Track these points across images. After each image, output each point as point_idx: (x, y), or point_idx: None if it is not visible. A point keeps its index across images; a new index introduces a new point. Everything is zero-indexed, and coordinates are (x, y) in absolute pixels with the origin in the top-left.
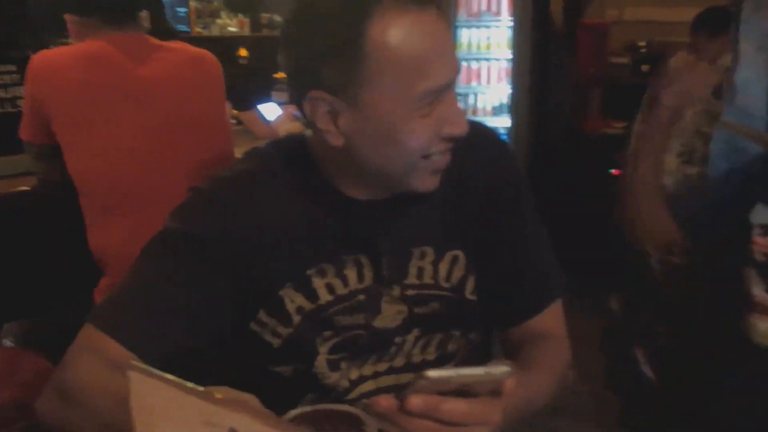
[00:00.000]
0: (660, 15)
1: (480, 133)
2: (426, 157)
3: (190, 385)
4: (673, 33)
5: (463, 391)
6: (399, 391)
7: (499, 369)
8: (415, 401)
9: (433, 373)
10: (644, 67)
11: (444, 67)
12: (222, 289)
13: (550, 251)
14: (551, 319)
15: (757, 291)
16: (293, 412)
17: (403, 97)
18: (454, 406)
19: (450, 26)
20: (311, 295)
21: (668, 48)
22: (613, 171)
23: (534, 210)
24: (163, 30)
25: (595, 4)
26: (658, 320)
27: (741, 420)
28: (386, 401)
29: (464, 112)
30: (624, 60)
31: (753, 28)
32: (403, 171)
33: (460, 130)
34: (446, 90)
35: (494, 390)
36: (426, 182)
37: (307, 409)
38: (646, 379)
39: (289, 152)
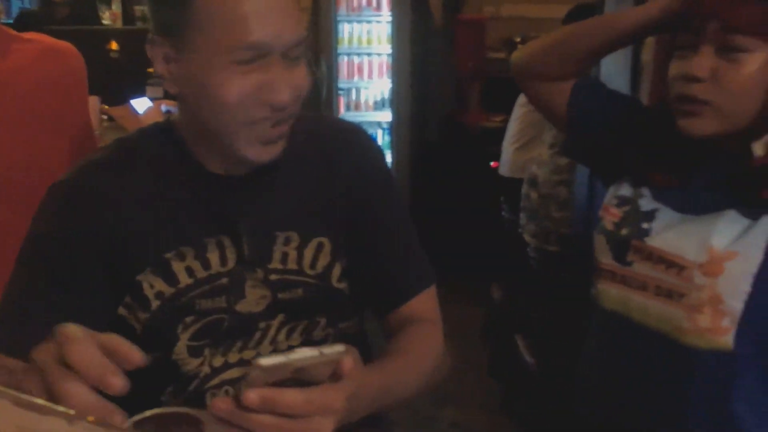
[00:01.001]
0: (534, 11)
1: (348, 128)
2: (252, 123)
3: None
4: (547, 29)
5: (303, 380)
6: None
7: (333, 349)
8: (251, 397)
9: (265, 361)
10: None
11: (269, 25)
12: (93, 282)
13: (417, 241)
14: (424, 304)
15: (605, 259)
16: (134, 418)
17: (221, 47)
18: (292, 398)
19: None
20: (170, 279)
21: None
22: (492, 163)
23: (400, 202)
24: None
25: (473, 0)
26: (534, 307)
27: (597, 388)
28: (223, 403)
29: (293, 85)
30: (501, 55)
31: None
32: (227, 132)
33: (280, 97)
34: (274, 55)
35: (335, 375)
36: (257, 152)
37: (147, 413)
38: (526, 365)
39: (155, 136)
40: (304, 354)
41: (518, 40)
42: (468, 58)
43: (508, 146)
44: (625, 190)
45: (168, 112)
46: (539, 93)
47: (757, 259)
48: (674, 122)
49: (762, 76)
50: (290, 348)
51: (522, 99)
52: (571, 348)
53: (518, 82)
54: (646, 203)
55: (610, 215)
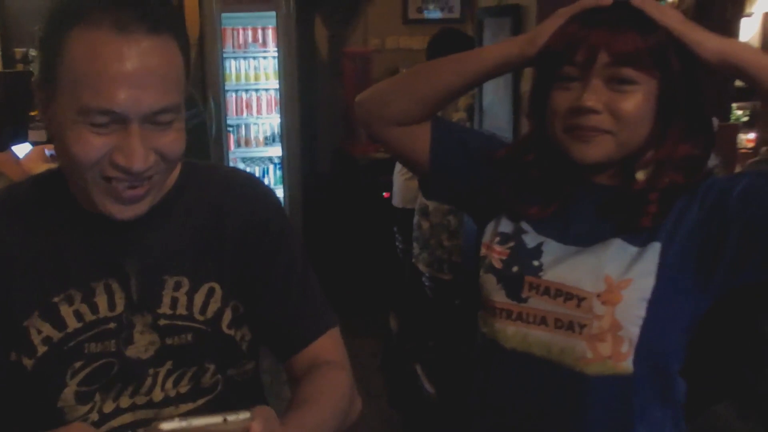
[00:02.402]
0: (418, 43)
1: (242, 177)
2: (107, 182)
3: None
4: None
5: None
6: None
7: (238, 416)
8: None
9: (166, 426)
10: None
11: (126, 94)
12: None
13: (316, 284)
14: (328, 346)
15: (498, 298)
16: None
17: (78, 106)
18: None
19: (180, 56)
20: (58, 323)
21: None
22: (384, 194)
23: (297, 247)
24: None
25: (358, 34)
26: (431, 336)
27: (496, 422)
28: None
29: (144, 153)
30: None
31: None
32: (85, 187)
33: (126, 163)
34: (133, 122)
35: None
36: (118, 209)
37: None
38: (425, 393)
39: (45, 181)
40: (207, 420)
41: (404, 70)
42: (355, 90)
43: (398, 177)
44: (505, 227)
45: (53, 156)
46: (393, 138)
47: (649, 284)
48: (546, 153)
49: (650, 104)
50: (179, 395)
51: None
52: (464, 374)
53: (365, 127)
54: (530, 239)
55: (496, 253)
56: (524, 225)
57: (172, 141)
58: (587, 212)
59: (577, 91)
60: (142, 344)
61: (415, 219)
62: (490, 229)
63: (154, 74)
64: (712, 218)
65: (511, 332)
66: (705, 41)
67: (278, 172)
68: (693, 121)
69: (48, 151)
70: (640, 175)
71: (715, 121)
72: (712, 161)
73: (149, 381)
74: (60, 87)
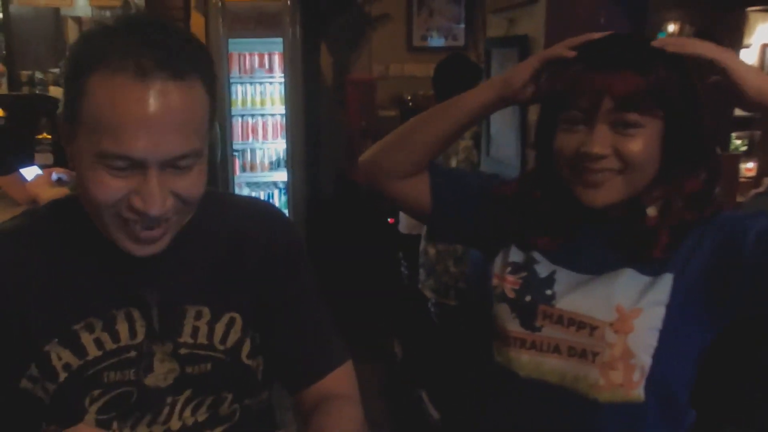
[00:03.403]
0: (421, 70)
1: (260, 205)
2: (124, 223)
3: None
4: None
5: None
6: None
7: None
8: None
9: None
10: None
11: (145, 140)
12: None
13: (330, 318)
14: (340, 380)
15: (512, 327)
16: None
17: (96, 149)
18: None
19: (206, 97)
20: (79, 350)
21: (431, 101)
22: (389, 220)
23: (312, 278)
24: None
25: (362, 61)
26: (437, 361)
27: None
28: None
29: (162, 198)
30: (392, 113)
31: None
32: (102, 223)
33: (144, 207)
34: (152, 166)
35: None
36: (134, 248)
37: None
38: (430, 420)
39: (66, 207)
40: None
41: (408, 98)
42: (359, 116)
43: None
44: (516, 257)
45: (59, 180)
46: (397, 191)
47: (660, 314)
48: (554, 190)
49: (656, 144)
50: (196, 423)
51: None
52: (475, 401)
53: (371, 185)
54: (543, 268)
55: (509, 283)
56: (535, 255)
57: (192, 184)
58: (598, 242)
59: (583, 134)
60: (161, 372)
61: (422, 245)
62: (500, 259)
63: (175, 120)
64: (725, 256)
65: (525, 360)
66: (748, 78)
67: (283, 197)
68: (698, 154)
69: (55, 174)
70: (651, 211)
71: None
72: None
73: (167, 410)
74: (81, 127)
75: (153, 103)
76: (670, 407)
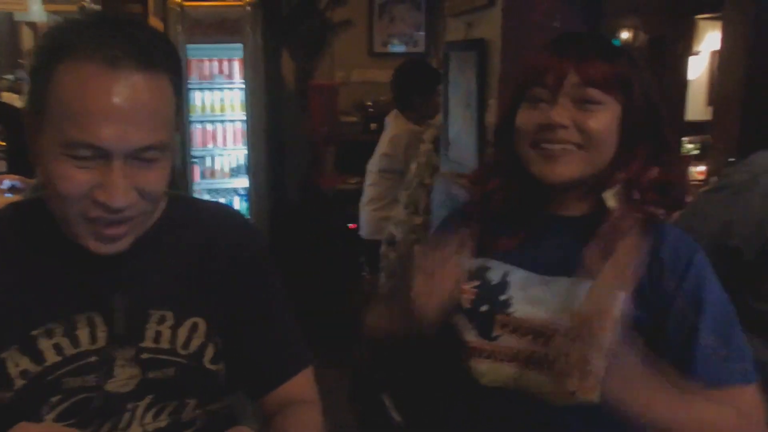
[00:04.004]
0: (383, 76)
1: (229, 212)
2: (87, 220)
3: None
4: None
5: None
6: None
7: None
8: None
9: None
10: (372, 125)
11: (111, 129)
12: None
13: (294, 323)
14: (302, 385)
15: (470, 337)
16: None
17: (63, 139)
18: None
19: (173, 94)
20: (37, 357)
21: (391, 106)
22: (350, 225)
23: (278, 284)
24: None
25: (324, 66)
26: (399, 366)
27: None
28: None
29: (125, 190)
30: (354, 119)
31: (458, 89)
32: (66, 220)
33: (107, 199)
34: (117, 157)
35: None
36: (96, 246)
37: None
38: (395, 424)
39: (27, 211)
40: None
41: (369, 103)
42: (322, 122)
43: (365, 208)
44: (468, 265)
45: (12, 187)
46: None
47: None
48: (511, 177)
49: (615, 125)
50: (157, 430)
51: (372, 165)
52: (438, 404)
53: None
54: (494, 274)
55: (464, 293)
56: (487, 261)
57: (155, 179)
58: (555, 243)
59: (546, 110)
60: (122, 378)
61: (382, 248)
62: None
63: (143, 110)
64: (664, 291)
65: (484, 369)
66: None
67: (244, 204)
68: (658, 146)
69: (8, 182)
70: (610, 200)
71: None
72: None
73: (128, 416)
74: (47, 119)
75: (121, 92)
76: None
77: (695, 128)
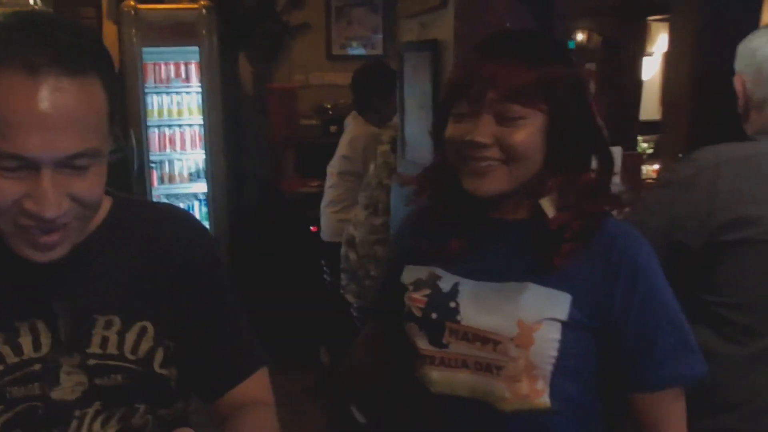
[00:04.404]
0: (342, 79)
1: (176, 213)
2: (20, 229)
3: None
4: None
5: None
6: None
7: None
8: None
9: None
10: (332, 128)
11: (37, 139)
12: None
13: (247, 323)
14: (256, 387)
15: (422, 344)
16: None
17: None
18: None
19: (105, 97)
20: None
21: (350, 109)
22: (312, 228)
23: (229, 286)
24: None
25: (283, 69)
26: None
27: None
28: None
29: (56, 200)
30: (314, 122)
31: (414, 89)
32: (2, 230)
33: (37, 210)
34: (46, 167)
35: None
36: (33, 254)
37: None
38: (359, 425)
39: None
40: None
41: (329, 106)
42: (281, 125)
43: (325, 211)
44: (418, 273)
45: None
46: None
47: (558, 327)
48: (449, 184)
49: (540, 137)
50: None
51: (332, 167)
52: (401, 404)
53: None
54: (445, 282)
55: (415, 302)
56: (437, 270)
57: (90, 186)
58: (501, 249)
59: (470, 124)
60: (68, 385)
61: (343, 250)
62: (404, 277)
63: (69, 117)
64: (617, 295)
65: (436, 377)
66: None
67: (203, 209)
68: (587, 147)
69: None
70: (547, 206)
71: (619, 150)
72: (619, 187)
73: (75, 423)
74: None
75: (45, 100)
76: (578, 414)
77: (650, 128)
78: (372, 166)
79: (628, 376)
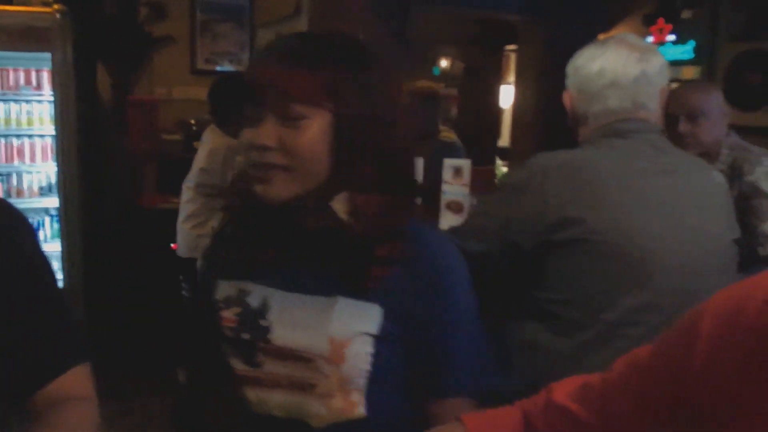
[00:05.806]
0: (205, 94)
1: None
2: None
3: None
4: None
5: None
6: None
7: None
8: None
9: None
10: (196, 144)
11: None
12: None
13: (69, 318)
14: (76, 382)
15: (237, 365)
16: None
17: None
18: None
19: None
20: None
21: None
22: (172, 245)
23: (51, 275)
24: None
25: (144, 82)
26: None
27: None
28: None
29: None
30: (177, 137)
31: None
32: None
33: None
34: None
35: None
36: None
37: None
38: None
39: None
40: None
41: (193, 121)
42: (141, 139)
43: (182, 226)
44: (227, 290)
45: None
46: None
47: (370, 341)
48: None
49: (323, 138)
50: None
51: (189, 180)
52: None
53: None
54: (254, 298)
55: (225, 321)
56: (247, 284)
57: None
58: (308, 259)
59: (257, 128)
60: None
61: (199, 264)
62: (216, 293)
63: None
64: (422, 306)
65: (252, 397)
66: None
67: (55, 225)
68: (385, 162)
69: None
70: (340, 209)
71: (468, 162)
72: (471, 200)
73: None
74: None
75: None
76: (395, 420)
77: (506, 153)
78: (230, 177)
79: (425, 383)
